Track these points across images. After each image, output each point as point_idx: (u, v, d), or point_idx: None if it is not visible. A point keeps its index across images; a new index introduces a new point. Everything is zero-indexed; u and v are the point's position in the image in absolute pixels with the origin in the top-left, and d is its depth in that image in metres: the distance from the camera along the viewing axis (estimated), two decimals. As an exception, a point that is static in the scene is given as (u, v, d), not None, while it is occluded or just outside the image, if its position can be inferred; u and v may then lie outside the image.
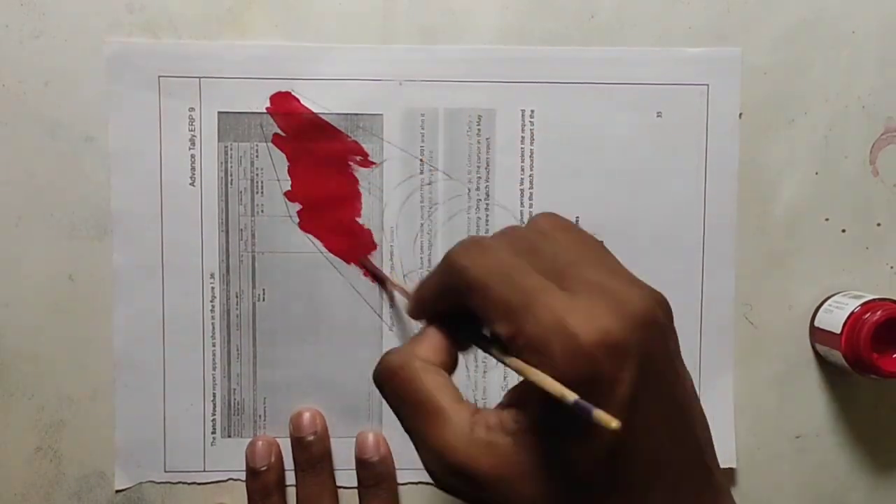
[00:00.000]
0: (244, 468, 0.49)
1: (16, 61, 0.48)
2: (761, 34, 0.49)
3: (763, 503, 0.51)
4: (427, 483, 0.50)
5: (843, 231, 0.50)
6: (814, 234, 0.50)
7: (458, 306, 0.34)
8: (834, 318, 0.48)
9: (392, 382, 0.34)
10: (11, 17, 0.47)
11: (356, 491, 0.49)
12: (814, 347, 0.50)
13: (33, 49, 0.48)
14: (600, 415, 0.28)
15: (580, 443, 0.30)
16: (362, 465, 0.49)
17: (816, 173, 0.50)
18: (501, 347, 0.33)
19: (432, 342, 0.35)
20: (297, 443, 0.49)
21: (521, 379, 0.31)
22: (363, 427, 0.50)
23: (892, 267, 0.50)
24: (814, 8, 0.49)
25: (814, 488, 0.51)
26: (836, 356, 0.48)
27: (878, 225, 0.50)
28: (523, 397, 0.32)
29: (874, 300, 0.47)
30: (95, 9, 0.48)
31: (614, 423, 0.28)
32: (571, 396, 0.29)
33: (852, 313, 0.47)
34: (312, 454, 0.48)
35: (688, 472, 0.32)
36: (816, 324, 0.50)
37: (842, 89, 0.50)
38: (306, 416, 0.49)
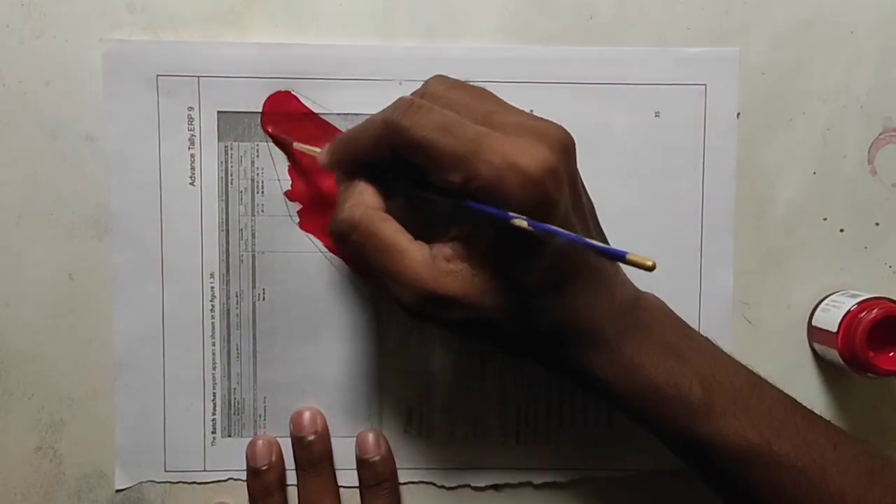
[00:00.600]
0: (245, 468, 0.49)
1: (16, 61, 0.47)
2: (760, 34, 0.49)
3: (762, 502, 0.50)
4: (428, 483, 0.50)
5: (842, 231, 0.50)
6: (812, 234, 0.50)
7: (385, 161, 0.39)
8: (830, 317, 0.48)
9: (357, 233, 0.38)
10: (11, 17, 0.47)
11: (357, 490, 0.49)
12: (812, 346, 0.50)
13: (33, 49, 0.47)
14: (635, 257, 0.33)
15: (531, 261, 0.37)
16: (363, 465, 0.48)
17: (815, 173, 0.50)
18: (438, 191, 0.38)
19: (372, 194, 0.40)
20: (298, 442, 0.48)
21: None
22: (363, 427, 0.49)
23: (890, 266, 0.50)
24: (812, 8, 0.49)
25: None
26: (833, 355, 0.47)
27: (877, 224, 0.50)
28: (469, 231, 0.38)
29: (870, 299, 0.47)
30: (96, 9, 0.47)
31: (650, 262, 0.33)
32: (602, 245, 0.35)
33: (848, 312, 0.47)
34: (313, 454, 0.48)
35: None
36: (814, 323, 0.49)
37: (840, 89, 0.49)
38: (306, 415, 0.48)
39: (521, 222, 0.35)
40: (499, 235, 0.37)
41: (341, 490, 0.49)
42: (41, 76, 0.47)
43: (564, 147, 0.38)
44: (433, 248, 0.38)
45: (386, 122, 0.38)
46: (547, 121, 0.38)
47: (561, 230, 0.35)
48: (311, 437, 0.48)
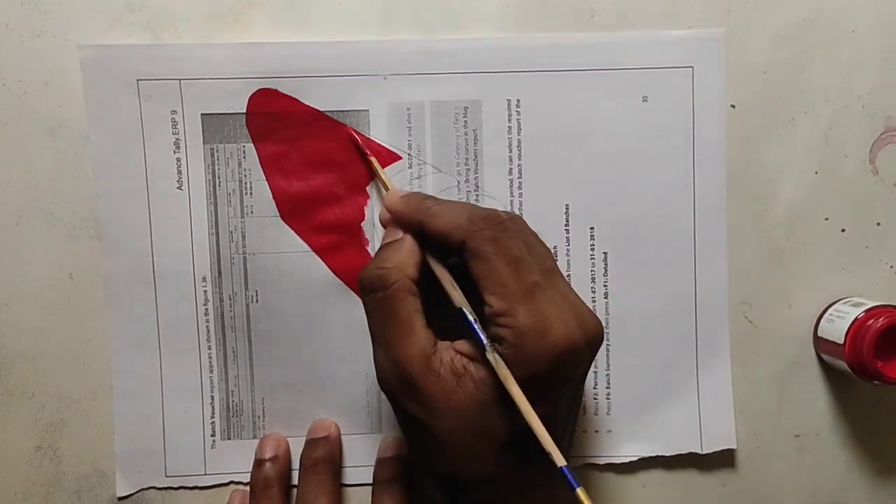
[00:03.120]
0: (245, 470, 0.47)
1: (16, 61, 0.45)
2: (761, 33, 0.47)
3: (762, 501, 0.49)
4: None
5: (843, 230, 0.48)
6: (813, 234, 0.48)
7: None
8: (836, 328, 0.46)
9: (381, 294, 0.39)
10: (11, 17, 0.45)
11: (357, 489, 0.47)
12: (818, 355, 0.48)
13: (33, 49, 0.45)
14: (581, 495, 0.35)
15: (510, 413, 0.37)
16: (378, 463, 0.47)
17: (816, 172, 0.48)
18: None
19: (414, 258, 0.40)
20: (306, 445, 0.46)
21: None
22: (362, 425, 0.47)
23: (891, 266, 0.48)
24: (813, 7, 0.47)
25: (813, 487, 0.49)
26: (842, 365, 0.45)
27: (878, 224, 0.48)
28: (474, 355, 0.38)
29: (876, 307, 0.45)
30: (96, 8, 0.45)
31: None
32: (560, 461, 0.36)
33: (855, 320, 0.45)
34: (316, 453, 0.46)
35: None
36: (819, 333, 0.47)
37: (842, 88, 0.47)
38: (322, 422, 0.47)
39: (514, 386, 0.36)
40: (492, 378, 0.37)
41: (343, 489, 0.47)
42: (41, 76, 0.45)
43: (595, 340, 0.38)
44: (436, 346, 0.38)
45: (473, 221, 0.38)
46: (590, 310, 0.39)
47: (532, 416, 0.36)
48: (320, 441, 0.46)
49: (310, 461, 0.46)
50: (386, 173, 0.45)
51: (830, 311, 0.47)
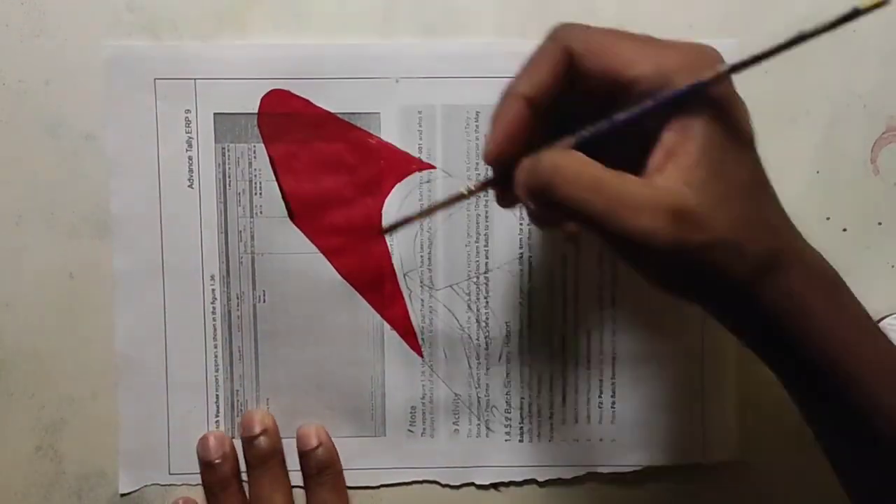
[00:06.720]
0: (248, 469, 0.47)
1: (16, 61, 0.45)
2: (762, 32, 0.47)
3: (765, 499, 0.49)
4: (433, 482, 0.48)
5: (844, 230, 0.48)
6: (814, 233, 0.47)
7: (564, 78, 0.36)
8: None
9: (561, 175, 0.33)
10: (11, 17, 0.45)
11: (365, 492, 0.48)
12: None
13: (33, 48, 0.45)
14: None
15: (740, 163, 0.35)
16: (303, 456, 0.47)
17: (817, 172, 0.48)
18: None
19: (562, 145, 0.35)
20: (248, 442, 0.46)
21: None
22: (366, 427, 0.48)
23: (893, 266, 0.49)
24: (815, 6, 0.47)
25: (815, 486, 0.49)
26: None
27: (879, 224, 0.49)
28: (672, 147, 0.33)
29: None
30: (96, 8, 0.46)
31: None
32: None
33: None
34: (262, 450, 0.46)
35: None
36: None
37: (843, 88, 0.48)
38: (255, 416, 0.47)
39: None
40: (707, 132, 0.34)
41: (349, 491, 0.48)
42: (41, 75, 0.46)
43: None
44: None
45: (558, 38, 0.36)
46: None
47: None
48: (260, 435, 0.46)
49: (258, 459, 0.46)
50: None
51: (881, 325, 0.47)
